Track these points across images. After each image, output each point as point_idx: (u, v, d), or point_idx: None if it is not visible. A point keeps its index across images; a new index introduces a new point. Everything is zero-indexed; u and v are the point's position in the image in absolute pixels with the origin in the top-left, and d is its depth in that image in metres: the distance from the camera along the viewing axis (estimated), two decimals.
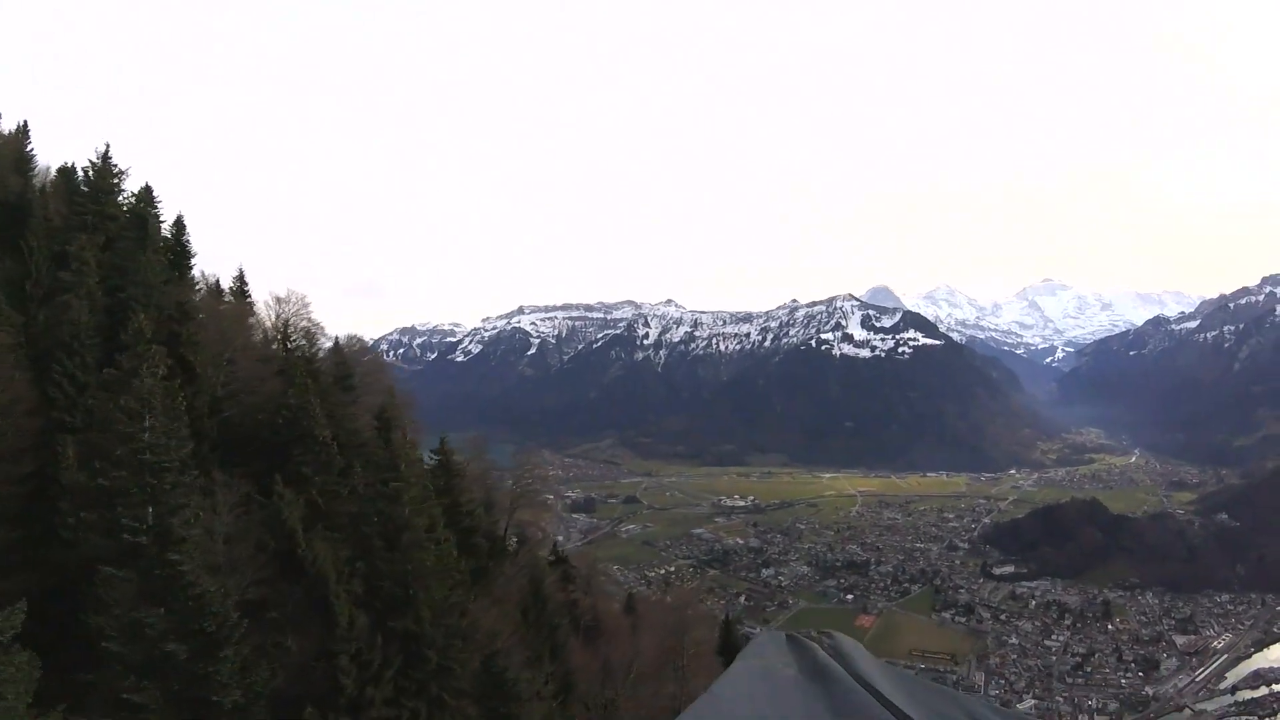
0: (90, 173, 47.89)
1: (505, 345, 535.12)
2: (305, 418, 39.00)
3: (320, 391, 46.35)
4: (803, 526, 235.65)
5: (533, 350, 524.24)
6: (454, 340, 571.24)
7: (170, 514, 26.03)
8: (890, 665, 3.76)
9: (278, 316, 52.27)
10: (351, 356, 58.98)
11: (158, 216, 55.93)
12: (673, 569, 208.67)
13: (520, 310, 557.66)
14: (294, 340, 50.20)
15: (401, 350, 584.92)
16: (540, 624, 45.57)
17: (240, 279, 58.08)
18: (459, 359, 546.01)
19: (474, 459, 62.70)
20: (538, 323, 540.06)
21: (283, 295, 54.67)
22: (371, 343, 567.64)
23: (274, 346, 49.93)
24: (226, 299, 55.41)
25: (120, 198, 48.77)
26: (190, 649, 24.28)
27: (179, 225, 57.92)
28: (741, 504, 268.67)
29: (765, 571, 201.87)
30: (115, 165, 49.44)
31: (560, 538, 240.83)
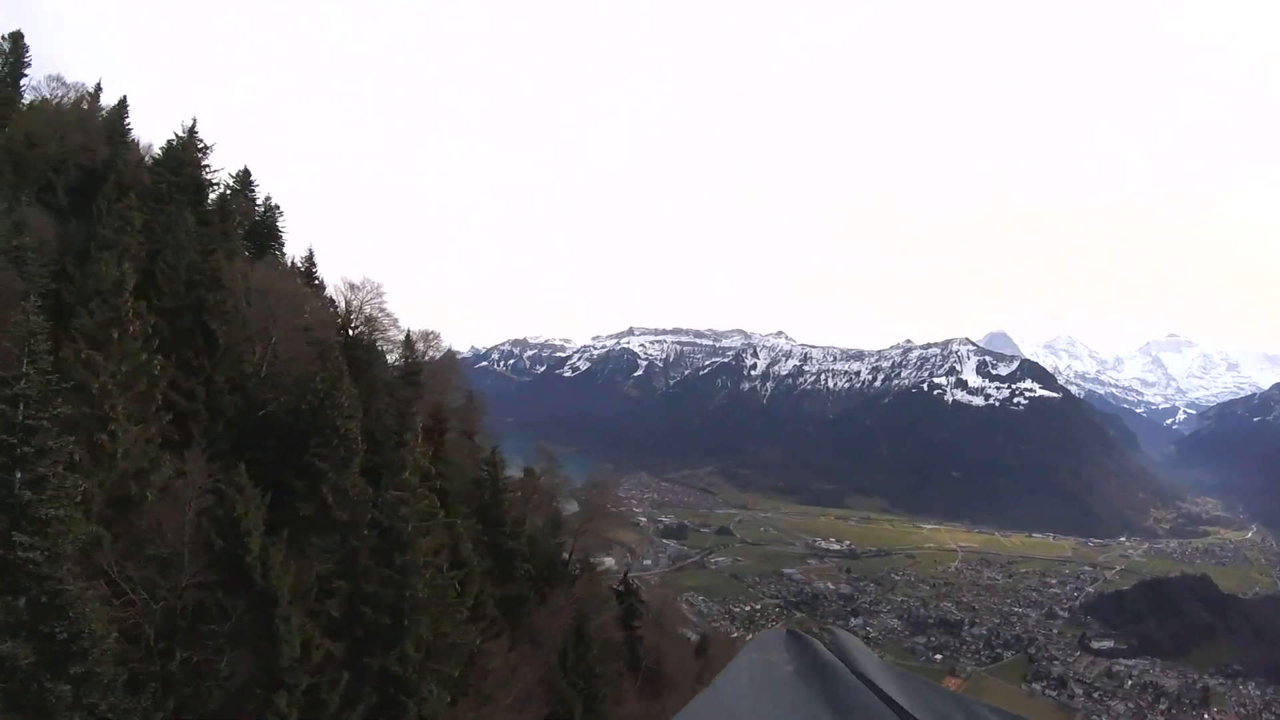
0: (174, 145, 54.25)
1: (613, 365, 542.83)
2: (329, 405, 37.45)
3: (379, 384, 49.86)
4: (898, 577, 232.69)
5: (639, 372, 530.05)
6: (563, 356, 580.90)
7: (32, 486, 22.11)
8: (891, 664, 4.00)
9: (346, 303, 55.30)
10: (423, 360, 61.15)
11: (250, 197, 63.88)
12: (758, 607, 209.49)
13: (630, 331, 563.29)
14: (356, 327, 52.43)
15: (511, 361, 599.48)
16: (579, 670, 42.52)
17: (309, 260, 63.07)
18: (566, 374, 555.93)
19: (544, 473, 64.82)
20: (646, 345, 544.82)
21: (357, 282, 58.40)
22: (483, 350, 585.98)
23: (336, 332, 50.48)
24: (313, 282, 61.21)
25: (207, 172, 55.92)
26: (36, 654, 20.90)
27: (269, 208, 65.14)
28: (836, 547, 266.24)
29: (854, 620, 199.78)
30: (200, 140, 55.48)
31: (648, 561, 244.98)
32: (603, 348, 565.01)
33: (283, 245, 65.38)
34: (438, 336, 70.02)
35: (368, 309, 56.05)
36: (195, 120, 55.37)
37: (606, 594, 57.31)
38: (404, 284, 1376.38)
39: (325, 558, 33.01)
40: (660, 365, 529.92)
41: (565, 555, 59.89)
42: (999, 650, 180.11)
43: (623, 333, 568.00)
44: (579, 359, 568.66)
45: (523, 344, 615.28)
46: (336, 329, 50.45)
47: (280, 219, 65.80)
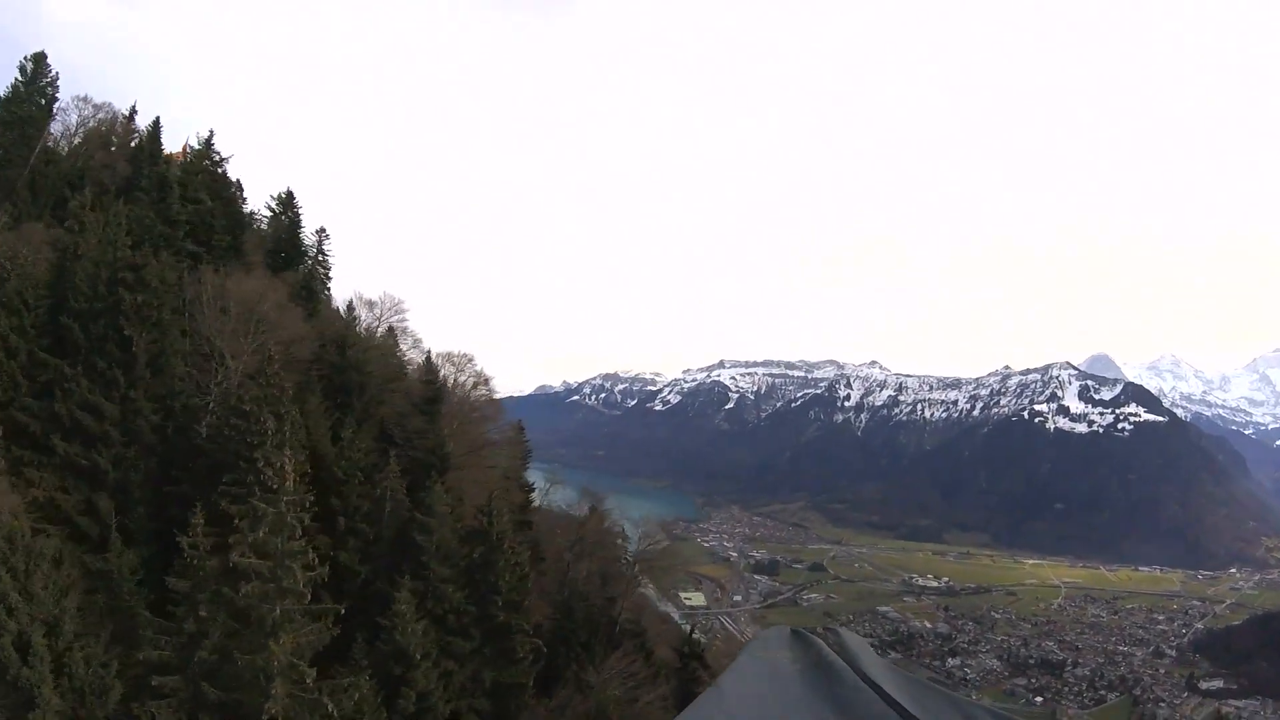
0: (186, 157, 60.16)
1: (704, 398, 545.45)
2: (251, 432, 34.47)
3: (374, 411, 50.04)
4: (998, 615, 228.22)
5: (730, 405, 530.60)
6: (654, 389, 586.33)
7: None
8: (894, 664, 4.11)
9: (365, 321, 58.80)
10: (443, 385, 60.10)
11: (293, 218, 69.77)
12: None
13: (721, 364, 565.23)
14: (354, 346, 52.04)
15: (603, 395, 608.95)
16: None
17: (310, 276, 64.58)
18: (658, 408, 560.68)
19: (592, 517, 63.06)
20: (737, 377, 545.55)
21: (375, 298, 63.13)
22: (575, 385, 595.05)
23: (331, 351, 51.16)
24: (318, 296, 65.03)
25: (229, 189, 60.04)
26: None
27: (319, 233, 70.01)
28: (934, 584, 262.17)
29: (951, 661, 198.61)
30: (217, 153, 60.44)
31: (738, 597, 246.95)
32: (693, 381, 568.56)
33: (326, 269, 69.40)
34: (471, 360, 71.02)
35: (383, 326, 60.61)
36: (212, 132, 60.60)
37: (662, 660, 53.40)
38: (493, 319, 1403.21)
39: (165, 642, 27.88)
40: (751, 398, 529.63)
41: (614, 616, 55.92)
42: (1103, 692, 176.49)
43: (713, 365, 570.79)
44: (670, 392, 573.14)
45: (614, 378, 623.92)
46: (332, 347, 50.68)
47: (327, 243, 69.88)
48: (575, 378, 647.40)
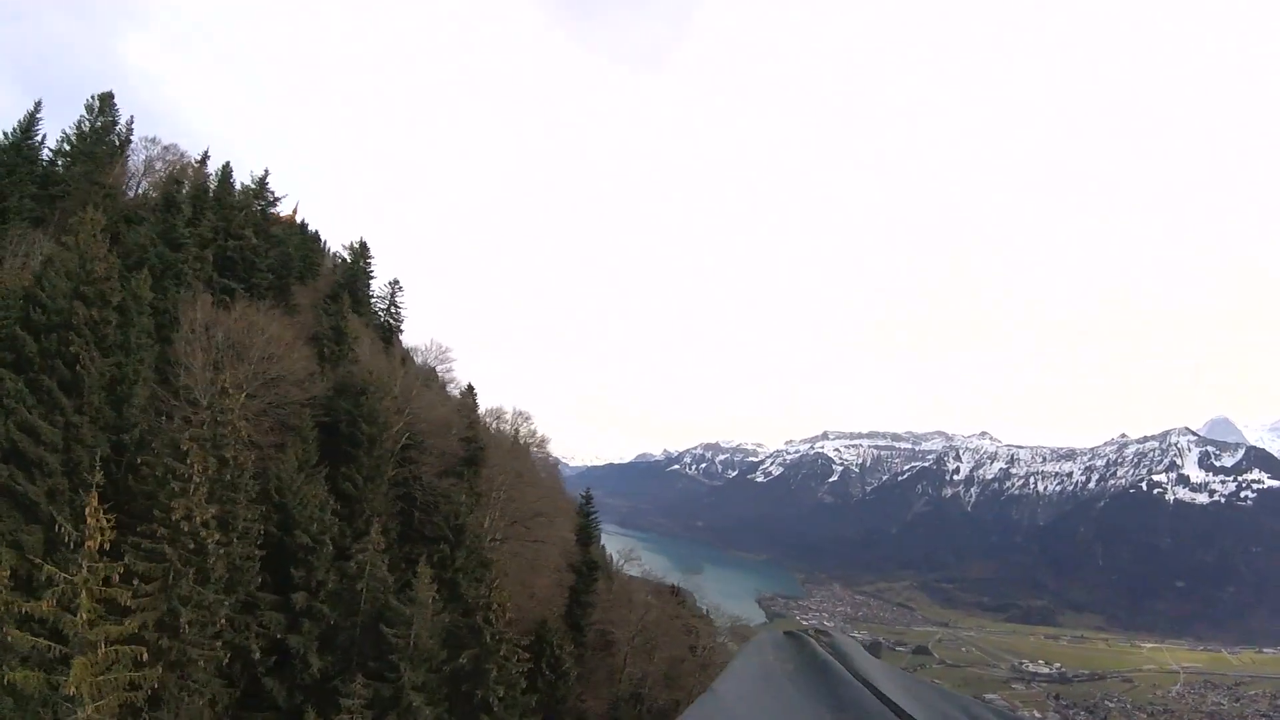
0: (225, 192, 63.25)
1: (806, 470, 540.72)
2: (167, 477, 31.95)
3: (382, 463, 46.79)
4: (1111, 704, 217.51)
5: (834, 478, 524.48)
6: (755, 460, 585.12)
7: None
8: (888, 664, 4.17)
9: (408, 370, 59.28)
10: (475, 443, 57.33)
11: (364, 268, 72.87)
12: None
13: (824, 435, 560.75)
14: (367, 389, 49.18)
15: (703, 465, 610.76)
16: None
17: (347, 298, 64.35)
18: (759, 479, 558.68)
19: (664, 601, 60.17)
20: (841, 449, 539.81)
21: (425, 344, 66.62)
22: (676, 454, 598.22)
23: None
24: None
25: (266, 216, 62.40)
26: None
27: (392, 284, 74.80)
28: (1045, 671, 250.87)
29: None
30: (271, 193, 63.09)
31: None
32: (796, 452, 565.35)
33: (396, 319, 74.12)
34: (527, 419, 72.60)
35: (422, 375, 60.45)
36: (267, 171, 63.08)
37: None
38: (595, 385, 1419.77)
39: None
40: (856, 470, 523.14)
41: None
42: None
43: (816, 437, 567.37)
44: (772, 464, 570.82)
45: (715, 448, 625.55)
46: (350, 394, 48.39)
47: (399, 295, 74.80)
48: (676, 446, 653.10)
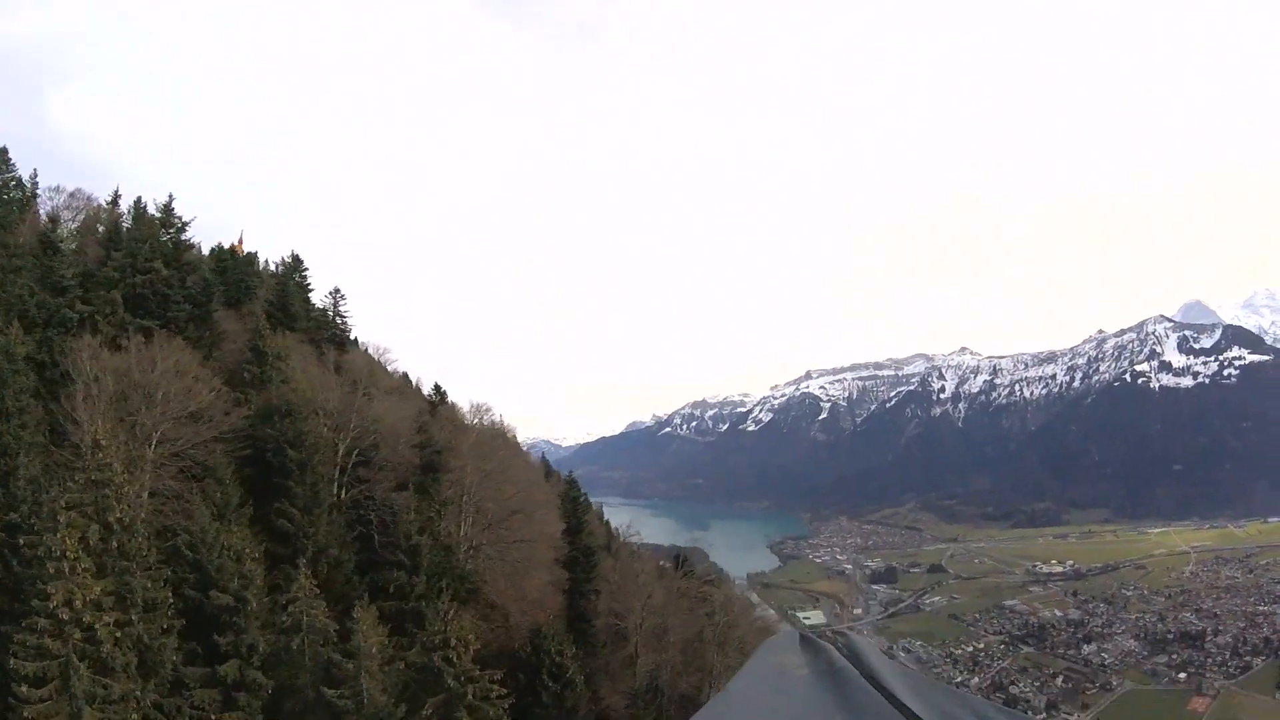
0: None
1: (796, 411, 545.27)
2: (32, 548, 28.35)
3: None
4: (1129, 593, 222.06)
5: (824, 415, 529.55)
6: (744, 410, 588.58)
7: None
8: (905, 667, 4.19)
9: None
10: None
11: (300, 281, 71.98)
12: (981, 646, 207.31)
13: (808, 375, 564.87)
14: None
15: (694, 424, 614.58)
16: None
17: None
18: (750, 429, 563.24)
19: (669, 578, 58.21)
20: (827, 386, 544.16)
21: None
22: (665, 416, 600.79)
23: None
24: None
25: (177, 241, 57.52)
26: None
27: (334, 293, 73.35)
28: (1059, 570, 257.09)
29: (1086, 648, 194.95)
30: (178, 219, 57.76)
31: (858, 610, 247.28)
32: (783, 396, 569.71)
33: (341, 329, 72.25)
34: (487, 410, 68.87)
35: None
36: (171, 196, 58.38)
37: None
38: (572, 364, 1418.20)
39: None
40: (844, 405, 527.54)
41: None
42: (1248, 658, 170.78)
43: (800, 378, 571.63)
44: (760, 411, 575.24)
45: (702, 405, 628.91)
46: (276, 417, 44.42)
47: (342, 304, 72.84)
48: (664, 410, 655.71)
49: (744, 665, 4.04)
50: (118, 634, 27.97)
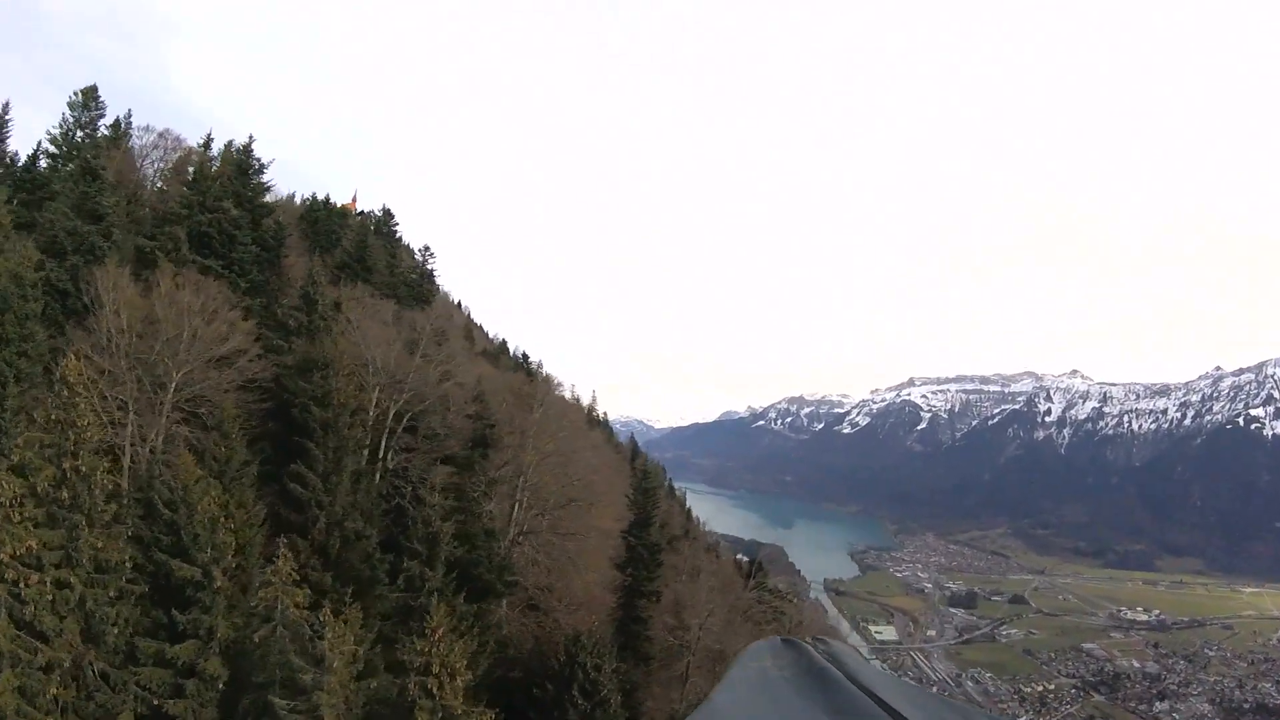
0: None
1: (894, 418, 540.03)
2: None
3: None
4: (1211, 653, 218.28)
5: (923, 425, 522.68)
6: (841, 411, 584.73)
7: None
8: (884, 670, 6.70)
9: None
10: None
11: (391, 232, 74.38)
12: (1051, 687, 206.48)
13: (911, 382, 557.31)
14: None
15: (789, 420, 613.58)
16: None
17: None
18: (845, 430, 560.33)
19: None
20: (929, 395, 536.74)
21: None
22: (760, 409, 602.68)
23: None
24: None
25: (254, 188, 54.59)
26: None
27: (423, 251, 73.67)
28: (1144, 618, 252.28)
29: (1159, 705, 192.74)
30: (257, 160, 55.11)
31: (932, 631, 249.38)
32: (882, 401, 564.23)
33: (419, 284, 69.69)
34: (556, 385, 67.26)
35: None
36: (251, 137, 55.89)
37: None
38: (674, 345, 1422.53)
39: None
40: (945, 417, 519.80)
41: None
42: None
43: (902, 384, 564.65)
44: (858, 414, 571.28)
45: (799, 401, 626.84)
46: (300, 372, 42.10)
47: (431, 261, 72.13)
48: (760, 402, 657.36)
49: (726, 673, 4.07)
50: (52, 595, 25.96)
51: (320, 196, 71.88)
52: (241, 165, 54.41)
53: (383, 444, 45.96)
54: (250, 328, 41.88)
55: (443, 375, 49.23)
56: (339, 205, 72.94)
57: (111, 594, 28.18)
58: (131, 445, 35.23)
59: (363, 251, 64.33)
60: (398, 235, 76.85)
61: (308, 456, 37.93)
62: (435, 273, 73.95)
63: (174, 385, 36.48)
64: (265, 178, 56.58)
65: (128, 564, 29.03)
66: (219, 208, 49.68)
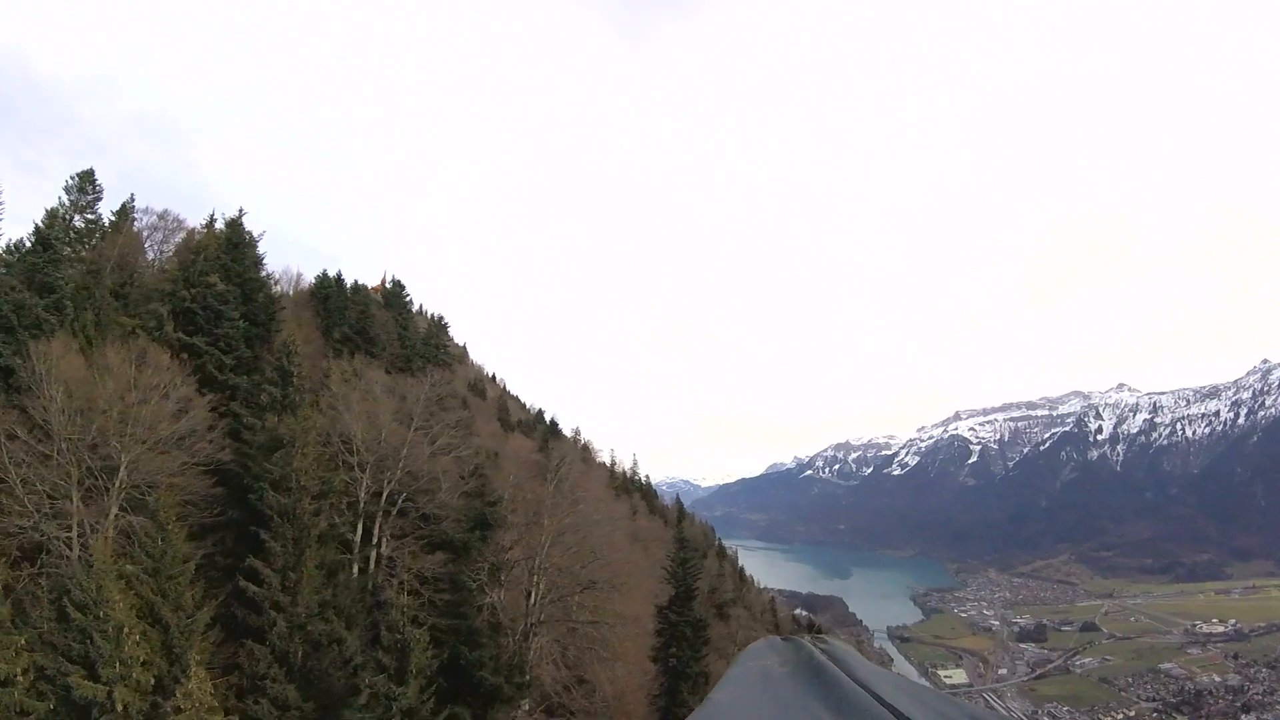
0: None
1: (943, 454, 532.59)
2: None
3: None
4: None
5: (973, 459, 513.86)
6: (889, 453, 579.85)
7: None
8: (883, 668, 4.19)
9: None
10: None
11: (403, 301, 73.63)
12: (1132, 714, 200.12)
13: (956, 416, 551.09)
14: None
15: (836, 466, 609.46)
16: None
17: None
18: (895, 472, 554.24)
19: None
20: (976, 427, 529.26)
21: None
22: (806, 459, 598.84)
23: None
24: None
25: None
26: None
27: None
28: (1220, 629, 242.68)
29: (1244, 718, 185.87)
30: (248, 233, 54.03)
31: (1003, 670, 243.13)
32: (930, 438, 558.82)
33: (440, 356, 69.43)
34: (581, 443, 67.68)
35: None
36: (241, 210, 55.07)
37: None
38: (714, 405, 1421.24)
39: None
40: (995, 447, 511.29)
41: None
42: None
43: (949, 419, 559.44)
44: (906, 454, 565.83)
45: (845, 447, 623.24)
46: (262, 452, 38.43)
47: (445, 332, 73.98)
48: (806, 451, 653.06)
49: (726, 672, 4.05)
50: None
51: (351, 278, 71.76)
52: (231, 239, 53.23)
53: (376, 530, 41.91)
54: (205, 404, 38.97)
55: (439, 448, 44.87)
56: (359, 283, 72.51)
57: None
58: (71, 536, 32.54)
59: (365, 322, 63.17)
60: (410, 305, 76.50)
61: (263, 550, 34.17)
62: (449, 342, 74.45)
63: (122, 469, 33.54)
64: (262, 251, 56.14)
65: (19, 677, 24.89)
66: (204, 282, 48.48)
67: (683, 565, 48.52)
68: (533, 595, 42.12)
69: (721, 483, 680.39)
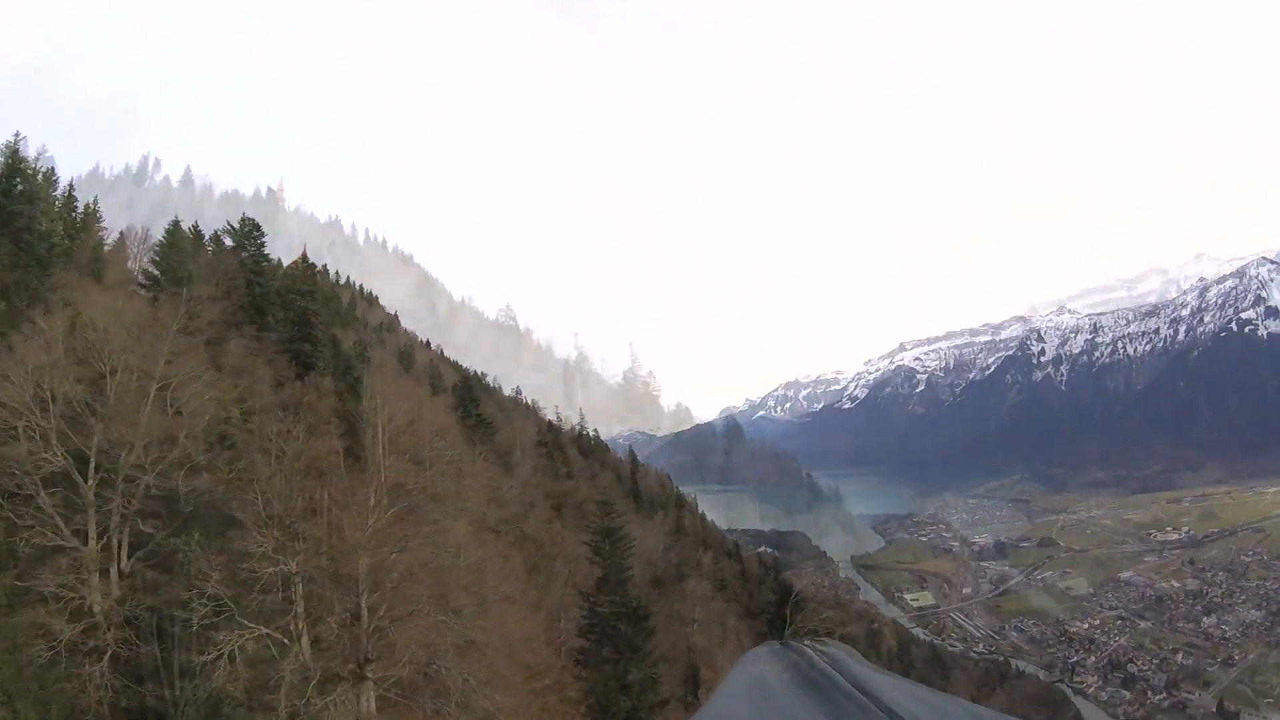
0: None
1: (890, 386, 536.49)
2: None
3: None
4: (1248, 559, 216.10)
5: (920, 387, 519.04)
6: (838, 388, 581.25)
7: None
8: (883, 670, 4.08)
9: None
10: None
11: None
12: (1097, 622, 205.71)
13: (901, 347, 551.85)
14: None
15: (788, 404, 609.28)
16: None
17: None
18: (845, 406, 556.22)
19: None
20: (922, 357, 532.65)
21: None
22: (758, 400, 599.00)
23: None
24: None
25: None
26: None
27: None
28: (1174, 537, 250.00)
29: (1206, 620, 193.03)
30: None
31: (967, 589, 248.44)
32: (877, 370, 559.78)
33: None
34: None
35: None
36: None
37: None
38: (660, 356, 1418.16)
39: None
40: (941, 375, 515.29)
41: None
42: None
43: (894, 350, 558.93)
44: (855, 387, 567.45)
45: (795, 385, 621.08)
46: None
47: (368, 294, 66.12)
48: (756, 393, 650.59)
49: (725, 679, 4.09)
50: None
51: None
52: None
53: (115, 516, 29.30)
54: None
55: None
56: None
57: None
58: None
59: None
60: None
61: None
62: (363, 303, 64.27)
63: None
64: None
65: None
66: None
67: (608, 538, 39.21)
68: (366, 594, 29.05)
69: (677, 430, 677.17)
